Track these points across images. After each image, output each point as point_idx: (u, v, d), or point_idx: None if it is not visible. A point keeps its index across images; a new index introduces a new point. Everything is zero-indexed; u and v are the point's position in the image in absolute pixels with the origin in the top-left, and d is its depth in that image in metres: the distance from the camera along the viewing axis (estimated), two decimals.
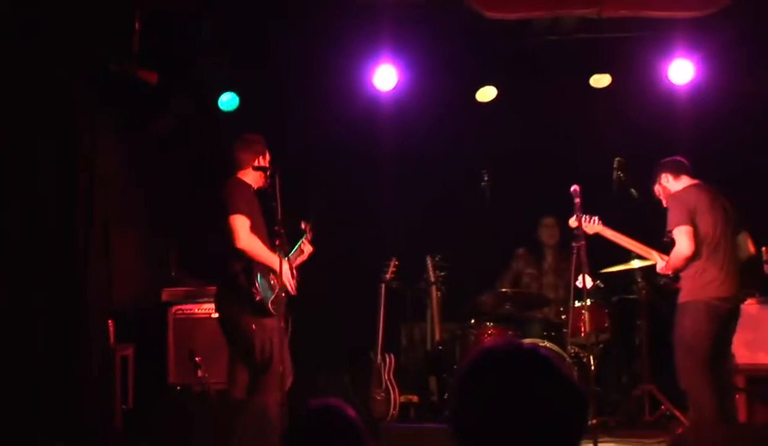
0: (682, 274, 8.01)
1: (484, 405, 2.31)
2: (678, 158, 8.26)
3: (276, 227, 7.43)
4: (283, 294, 7.59)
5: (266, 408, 7.24)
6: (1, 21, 7.43)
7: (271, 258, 7.53)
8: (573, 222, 8.31)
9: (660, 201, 8.24)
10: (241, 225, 7.34)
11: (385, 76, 9.72)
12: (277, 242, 7.48)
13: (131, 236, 9.66)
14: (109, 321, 8.64)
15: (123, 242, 9.25)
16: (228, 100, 9.97)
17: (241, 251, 7.32)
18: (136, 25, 8.25)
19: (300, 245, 7.93)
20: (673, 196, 8.05)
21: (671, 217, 7.93)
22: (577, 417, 2.36)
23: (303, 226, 7.99)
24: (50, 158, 8.01)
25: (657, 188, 8.21)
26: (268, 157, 7.88)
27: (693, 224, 7.80)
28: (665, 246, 8.14)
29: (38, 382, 7.52)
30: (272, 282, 7.61)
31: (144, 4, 8.21)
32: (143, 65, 8.46)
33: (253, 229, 7.49)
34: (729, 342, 8.19)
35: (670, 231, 7.92)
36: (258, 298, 7.44)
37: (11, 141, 7.70)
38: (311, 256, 7.98)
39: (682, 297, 7.97)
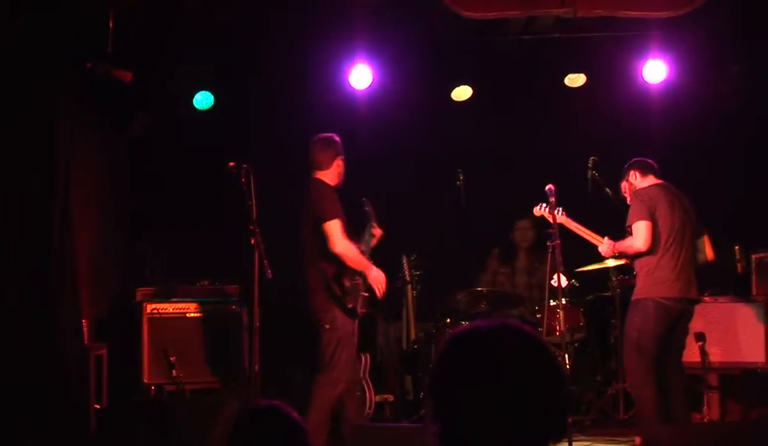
0: (636, 271, 8.18)
1: (460, 391, 2.28)
2: (647, 159, 8.34)
3: (251, 226, 7.45)
4: (366, 295, 7.89)
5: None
6: None
7: (363, 263, 7.71)
8: (537, 211, 8.52)
9: (623, 195, 8.39)
10: (337, 230, 7.40)
11: (361, 76, 9.73)
12: (252, 241, 7.46)
13: (105, 235, 9.60)
14: (83, 321, 8.54)
15: (97, 241, 9.23)
16: (202, 99, 9.96)
17: (338, 255, 7.39)
18: (110, 25, 8.23)
19: (371, 230, 8.09)
20: (637, 193, 8.14)
21: (632, 212, 8.05)
22: (556, 379, 2.30)
23: (366, 208, 8.15)
24: (27, 158, 7.95)
25: (624, 185, 8.32)
26: (341, 157, 7.92)
27: (652, 220, 7.90)
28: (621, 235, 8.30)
29: (12, 382, 7.45)
30: (357, 285, 7.75)
31: (117, 4, 8.18)
32: (118, 65, 8.41)
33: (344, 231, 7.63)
34: (680, 342, 8.25)
35: (630, 226, 8.03)
36: (350, 306, 7.62)
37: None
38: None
39: (635, 294, 8.07)
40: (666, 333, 7.99)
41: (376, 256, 9.43)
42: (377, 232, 8.12)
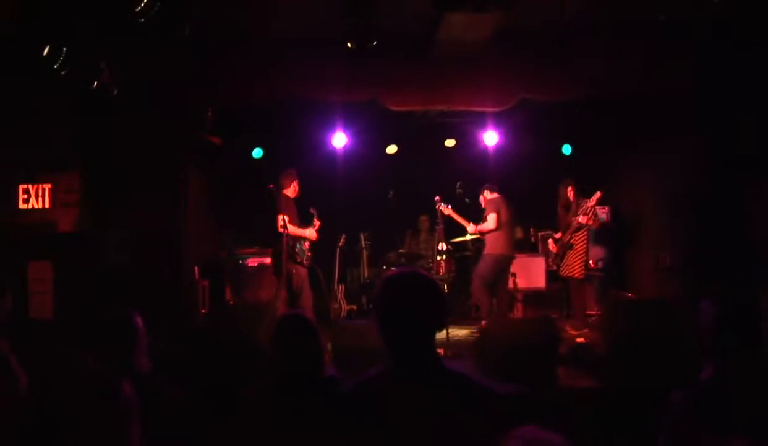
0: (486, 237, 8.16)
1: (389, 305, 2.25)
2: (492, 182, 8.39)
3: (280, 220, 7.36)
4: (309, 254, 7.72)
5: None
6: (137, 106, 7.16)
7: (301, 232, 7.57)
8: (440, 208, 8.27)
9: (479, 203, 8.38)
10: (284, 220, 7.34)
11: (339, 139, 9.57)
12: (279, 228, 7.36)
13: (206, 227, 9.42)
14: (195, 267, 8.60)
15: (202, 230, 9.07)
16: (257, 152, 9.97)
17: (285, 233, 7.33)
18: (210, 113, 8.21)
19: (314, 221, 7.82)
20: (490, 200, 8.22)
21: (487, 210, 8.13)
22: (440, 297, 2.28)
23: (311, 211, 7.89)
24: (163, 186, 7.81)
25: (481, 198, 8.33)
26: (297, 180, 7.73)
27: (498, 214, 8.03)
28: (479, 223, 8.23)
29: (157, 300, 7.03)
30: (304, 247, 7.64)
31: (215, 103, 7.98)
32: (213, 134, 8.49)
33: (291, 220, 7.46)
34: (505, 278, 8.31)
35: (486, 216, 8.10)
36: (299, 260, 7.56)
37: (149, 171, 7.67)
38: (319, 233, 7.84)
39: (485, 250, 8.18)
40: (497, 271, 8.12)
41: (348, 233, 9.74)
42: (317, 223, 7.86)
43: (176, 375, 4.00)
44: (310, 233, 7.74)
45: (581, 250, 8.25)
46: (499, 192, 8.33)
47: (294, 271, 7.49)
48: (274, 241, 7.58)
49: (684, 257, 8.31)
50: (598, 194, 7.96)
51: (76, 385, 2.86)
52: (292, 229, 7.52)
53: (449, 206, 8.41)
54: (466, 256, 10.05)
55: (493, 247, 8.09)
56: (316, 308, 9.16)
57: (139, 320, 3.33)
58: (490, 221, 8.04)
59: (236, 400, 3.07)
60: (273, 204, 7.48)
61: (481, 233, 8.26)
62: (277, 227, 7.38)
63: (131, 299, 6.57)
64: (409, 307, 2.22)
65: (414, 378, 2.19)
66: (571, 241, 8.28)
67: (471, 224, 8.32)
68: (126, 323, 3.27)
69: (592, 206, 8.08)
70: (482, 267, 8.11)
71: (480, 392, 2.22)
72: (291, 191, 7.79)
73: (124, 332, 3.24)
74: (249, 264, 9.15)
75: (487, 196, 8.32)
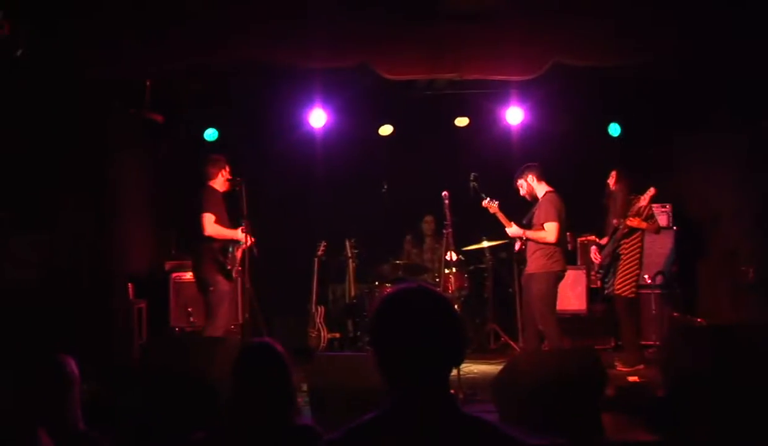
0: (535, 248, 7.79)
1: (391, 333, 2.25)
2: (539, 165, 8.05)
3: (243, 219, 7.50)
4: (240, 268, 7.61)
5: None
6: (49, 73, 7.20)
7: (230, 234, 7.51)
8: (487, 204, 8.02)
9: (518, 190, 8.10)
10: (208, 221, 7.42)
11: (317, 117, 9.77)
12: (242, 229, 7.49)
13: (144, 226, 9.60)
14: (129, 284, 8.77)
15: (138, 230, 9.25)
16: (210, 134, 10.13)
17: (209, 236, 7.39)
18: (147, 85, 8.29)
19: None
20: (546, 200, 7.84)
21: (544, 213, 7.75)
22: (455, 322, 2.28)
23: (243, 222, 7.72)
24: (89, 169, 7.96)
25: (520, 182, 8.06)
26: (228, 170, 7.76)
27: (559, 222, 7.69)
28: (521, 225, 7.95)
29: (80, 326, 7.38)
30: (236, 254, 7.58)
31: (153, 74, 8.01)
32: (153, 110, 8.54)
33: (218, 221, 7.50)
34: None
35: (539, 220, 7.77)
36: (229, 267, 7.53)
37: (69, 159, 7.78)
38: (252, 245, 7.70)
39: (536, 267, 7.78)
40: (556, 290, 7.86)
41: (330, 239, 9.83)
42: (247, 237, 7.61)
43: (107, 427, 3.97)
44: (243, 235, 7.64)
45: (633, 261, 8.31)
46: (548, 183, 8.06)
47: (213, 285, 7.47)
48: (195, 247, 7.64)
49: None
50: (651, 191, 7.98)
51: None
52: (219, 230, 7.53)
53: (496, 202, 8.09)
54: (481, 269, 10.16)
55: (551, 262, 7.79)
56: (289, 335, 9.32)
57: (73, 366, 3.31)
58: (551, 231, 7.73)
59: None
60: (198, 199, 7.54)
61: (536, 242, 7.85)
62: (201, 230, 7.42)
63: (39, 328, 6.78)
64: (417, 334, 2.22)
65: (421, 427, 2.18)
66: (620, 250, 8.36)
67: (514, 225, 8.01)
68: (56, 372, 3.25)
69: (645, 207, 8.15)
70: (542, 290, 7.79)
71: (506, 444, 2.21)
72: (219, 183, 7.77)
73: (53, 381, 3.23)
74: None
75: (534, 186, 8.04)
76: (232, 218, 7.75)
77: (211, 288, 7.47)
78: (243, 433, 3.04)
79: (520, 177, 8.09)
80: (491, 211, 8.10)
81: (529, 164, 8.10)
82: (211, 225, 7.46)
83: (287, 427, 3.07)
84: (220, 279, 7.50)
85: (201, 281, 7.61)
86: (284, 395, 3.11)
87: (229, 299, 7.70)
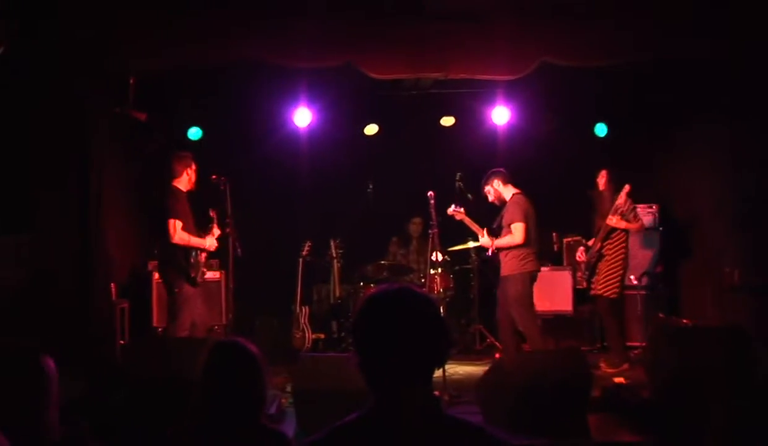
0: (508, 251, 7.81)
1: (374, 335, 2.24)
2: (504, 170, 8.08)
3: (227, 219, 7.56)
4: (204, 270, 7.56)
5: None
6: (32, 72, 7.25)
7: (197, 242, 7.40)
8: (452, 212, 8.05)
9: (485, 196, 8.12)
10: (175, 227, 7.25)
11: (302, 116, 9.76)
12: (227, 230, 7.59)
13: (127, 225, 9.43)
14: (111, 284, 8.65)
15: (121, 229, 9.11)
16: (194, 132, 10.07)
17: (174, 244, 7.27)
18: (131, 82, 8.18)
19: (211, 230, 7.63)
20: (513, 202, 7.86)
21: (511, 215, 7.77)
22: (439, 323, 2.28)
23: (211, 215, 7.72)
24: (72, 168, 7.92)
25: (487, 189, 8.06)
26: (194, 167, 7.56)
27: (527, 222, 7.70)
28: (490, 229, 7.99)
29: (62, 327, 7.37)
30: (200, 259, 7.50)
31: (136, 71, 7.94)
32: (137, 108, 8.42)
33: (185, 227, 7.35)
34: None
35: (506, 222, 7.78)
36: (193, 275, 7.40)
37: (51, 159, 7.77)
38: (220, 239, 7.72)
39: (511, 269, 7.78)
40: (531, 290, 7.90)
41: (314, 239, 9.86)
42: (216, 231, 7.62)
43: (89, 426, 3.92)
44: (210, 242, 7.57)
45: (617, 262, 8.33)
46: (514, 185, 8.09)
47: (177, 288, 7.38)
48: (161, 248, 7.60)
49: (757, 273, 8.20)
50: (626, 188, 8.01)
51: None
52: (186, 239, 7.39)
53: (462, 209, 8.17)
54: (466, 269, 10.24)
55: (523, 263, 7.80)
56: (274, 336, 9.39)
57: (51, 365, 3.22)
58: (517, 232, 7.74)
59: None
60: (163, 201, 7.42)
61: (503, 248, 7.93)
62: (167, 235, 7.29)
63: (23, 328, 6.72)
64: (399, 335, 2.22)
65: (405, 428, 2.18)
66: (603, 250, 8.37)
67: (485, 233, 8.04)
68: (31, 371, 3.07)
69: (622, 204, 8.18)
70: (519, 291, 7.78)
71: None
72: (183, 182, 7.56)
73: (28, 382, 3.03)
74: None
75: (501, 190, 8.06)
76: (212, 218, 7.70)
77: (176, 290, 7.39)
78: (209, 431, 3.03)
79: (487, 184, 8.11)
80: (457, 218, 8.12)
81: (494, 169, 8.11)
82: (178, 233, 7.31)
83: (256, 428, 3.06)
84: (184, 284, 7.40)
85: (166, 282, 7.57)
86: (253, 395, 3.10)
87: (201, 300, 7.61)
